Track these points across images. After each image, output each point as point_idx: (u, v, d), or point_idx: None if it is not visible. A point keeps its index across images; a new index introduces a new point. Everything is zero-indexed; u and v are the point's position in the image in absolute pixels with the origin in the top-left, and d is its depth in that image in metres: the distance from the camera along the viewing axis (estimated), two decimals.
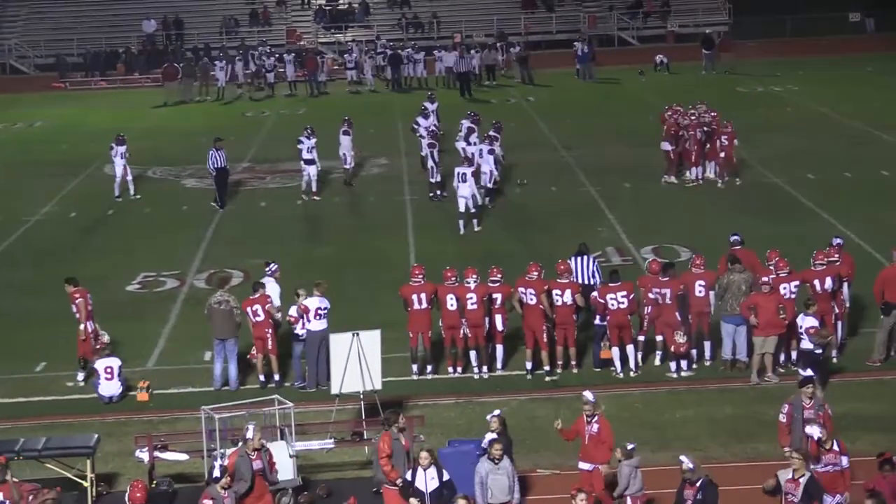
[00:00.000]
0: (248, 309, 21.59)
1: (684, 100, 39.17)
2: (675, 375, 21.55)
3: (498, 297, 21.62)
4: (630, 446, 16.07)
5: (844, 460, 15.52)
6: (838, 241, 22.85)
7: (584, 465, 16.75)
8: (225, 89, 57.34)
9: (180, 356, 23.60)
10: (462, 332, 21.72)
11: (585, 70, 58.35)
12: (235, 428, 17.38)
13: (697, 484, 15.01)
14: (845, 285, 22.15)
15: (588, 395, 16.82)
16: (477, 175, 32.23)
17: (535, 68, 58.13)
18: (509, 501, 15.93)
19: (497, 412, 17.03)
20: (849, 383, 21.14)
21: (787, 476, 14.96)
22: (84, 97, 59.80)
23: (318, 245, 31.42)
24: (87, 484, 17.44)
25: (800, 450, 15.44)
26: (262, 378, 21.90)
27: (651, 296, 21.54)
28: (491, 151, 33.15)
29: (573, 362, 21.89)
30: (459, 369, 22.05)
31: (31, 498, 15.61)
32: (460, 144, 34.50)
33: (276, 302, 22.13)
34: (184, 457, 17.93)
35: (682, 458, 15.28)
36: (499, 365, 22.09)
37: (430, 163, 34.53)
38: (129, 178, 36.30)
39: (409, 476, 15.80)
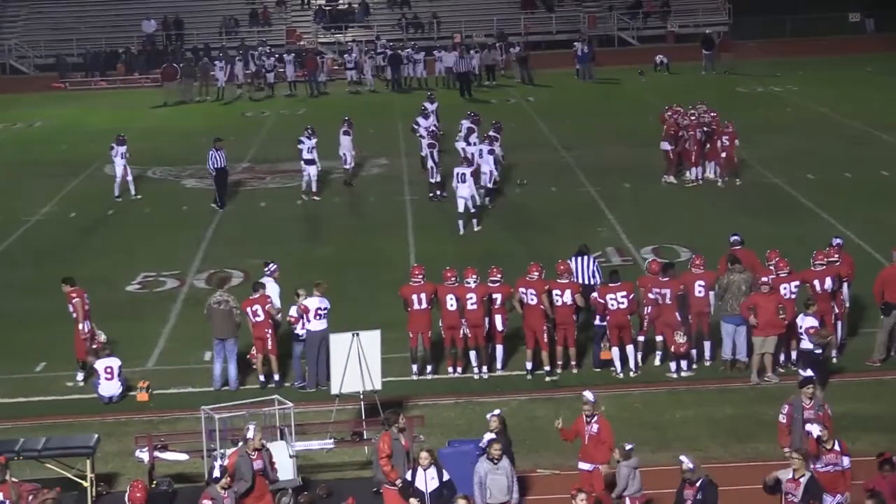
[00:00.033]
0: (248, 309, 21.59)
1: (684, 100, 39.21)
2: (675, 375, 21.56)
3: (498, 297, 21.62)
4: (628, 447, 16.07)
5: (846, 461, 15.50)
6: (838, 241, 22.85)
7: (583, 466, 16.75)
8: (225, 89, 57.34)
9: (180, 356, 23.61)
10: (462, 332, 21.72)
11: (585, 70, 58.35)
12: (235, 428, 17.39)
13: (697, 484, 15.01)
14: (845, 285, 22.15)
15: (588, 395, 16.82)
16: (477, 175, 32.25)
17: (535, 68, 58.13)
18: (508, 501, 15.93)
19: (497, 412, 17.03)
20: (849, 383, 21.14)
21: (787, 476, 14.96)
22: (84, 97, 59.80)
23: (318, 245, 31.42)
24: (86, 484, 17.44)
25: (800, 450, 15.45)
26: (262, 378, 21.90)
27: (651, 296, 21.55)
28: (491, 151, 33.16)
29: (573, 362, 21.89)
30: (459, 369, 22.05)
31: (30, 498, 15.60)
32: (460, 144, 34.51)
33: (277, 302, 22.13)
34: (184, 457, 17.94)
35: (682, 458, 15.28)
36: (499, 365, 22.09)
37: (429, 163, 34.54)
38: (130, 178, 36.31)
39: (409, 476, 15.81)
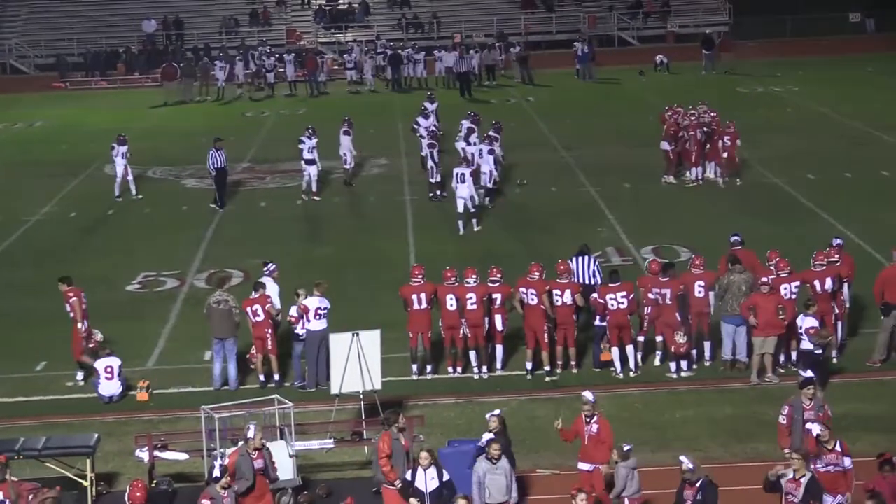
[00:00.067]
0: (248, 309, 21.59)
1: (684, 100, 39.20)
2: (674, 376, 21.55)
3: (498, 297, 21.62)
4: (626, 447, 16.04)
5: (847, 461, 15.48)
6: (838, 241, 22.85)
7: (583, 466, 16.74)
8: (225, 89, 57.35)
9: (180, 356, 23.61)
10: (462, 332, 21.72)
11: (585, 70, 58.35)
12: (235, 428, 17.39)
13: (697, 484, 15.00)
14: (845, 286, 22.15)
15: (587, 395, 16.81)
16: (477, 175, 32.26)
17: (535, 68, 58.13)
18: (507, 501, 15.93)
19: (496, 412, 17.02)
20: (849, 384, 21.13)
21: (788, 476, 14.96)
22: (84, 97, 59.79)
23: (318, 245, 31.42)
24: (86, 483, 17.44)
25: (800, 450, 15.45)
26: (261, 378, 21.90)
27: (651, 296, 21.54)
28: (491, 151, 33.16)
29: (573, 362, 21.89)
30: (459, 369, 22.05)
31: (31, 497, 15.59)
32: (460, 145, 34.51)
33: (276, 302, 22.13)
34: (184, 456, 17.94)
35: (682, 458, 15.27)
36: (498, 365, 22.08)
37: (429, 163, 34.53)
38: (130, 178, 36.31)
39: (408, 476, 15.80)
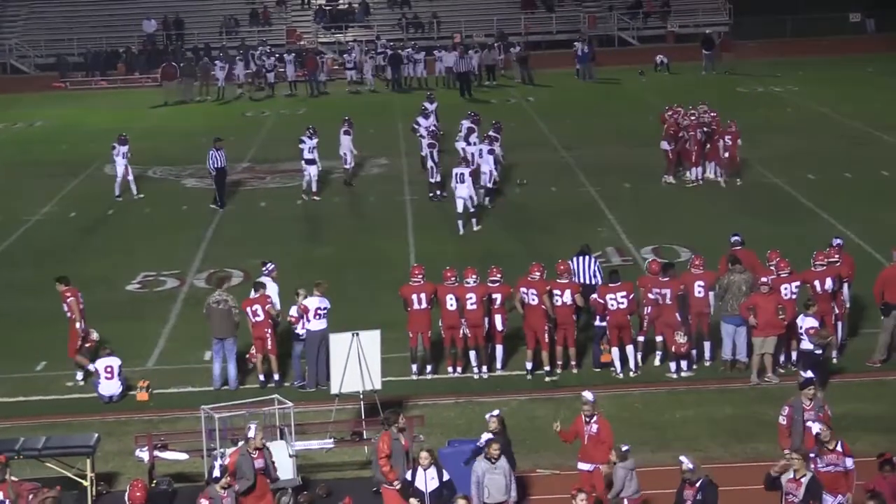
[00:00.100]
0: (248, 309, 21.58)
1: (684, 100, 39.20)
2: (674, 376, 21.55)
3: (497, 297, 21.62)
4: (624, 448, 16.03)
5: (849, 462, 15.47)
6: (838, 241, 22.84)
7: (583, 466, 16.73)
8: (225, 89, 57.35)
9: (180, 356, 23.61)
10: (462, 332, 21.72)
11: (585, 70, 58.34)
12: (235, 427, 17.39)
13: (697, 484, 15.00)
14: (845, 286, 22.14)
15: (587, 395, 16.81)
16: (476, 175, 32.26)
17: (535, 68, 58.12)
18: (506, 501, 15.93)
19: (496, 412, 17.02)
20: (849, 384, 21.13)
21: (788, 476, 14.96)
22: (84, 97, 59.79)
23: (318, 245, 31.42)
24: (86, 483, 17.45)
25: (800, 450, 15.44)
26: (261, 378, 21.90)
27: (651, 296, 21.54)
28: (491, 151, 33.15)
29: (573, 362, 21.88)
30: (459, 369, 22.05)
31: (30, 497, 15.59)
32: (460, 145, 34.50)
33: (276, 302, 22.12)
34: (184, 456, 17.94)
35: (682, 458, 15.27)
36: (498, 365, 22.08)
37: (429, 163, 34.53)
38: (131, 177, 36.31)
39: (409, 476, 15.80)
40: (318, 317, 21.35)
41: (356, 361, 18.80)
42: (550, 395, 21.04)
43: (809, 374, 17.89)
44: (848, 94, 50.75)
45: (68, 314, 22.36)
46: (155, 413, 21.02)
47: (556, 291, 21.41)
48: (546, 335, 21.49)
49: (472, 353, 21.87)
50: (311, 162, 35.23)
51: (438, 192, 34.17)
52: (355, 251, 30.24)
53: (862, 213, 31.12)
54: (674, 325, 21.47)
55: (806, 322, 20.33)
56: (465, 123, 36.12)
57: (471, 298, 21.46)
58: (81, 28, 68.87)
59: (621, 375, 21.64)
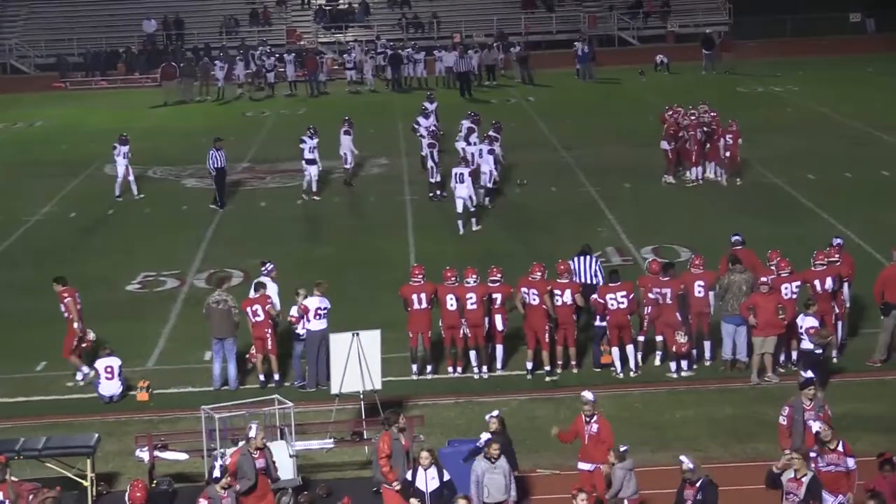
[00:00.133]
0: (248, 309, 21.58)
1: (684, 100, 39.19)
2: (675, 375, 21.55)
3: (498, 297, 21.62)
4: (623, 448, 16.03)
5: (851, 462, 15.46)
6: (838, 241, 22.85)
7: (583, 466, 16.73)
8: (225, 89, 57.35)
9: (180, 356, 23.61)
10: (462, 332, 21.72)
11: (585, 70, 58.35)
12: (235, 427, 17.40)
13: (697, 484, 15.00)
14: (845, 285, 22.15)
15: (587, 394, 16.81)
16: (476, 175, 32.26)
17: (535, 68, 58.13)
18: (506, 500, 15.93)
19: (496, 413, 17.02)
20: (849, 384, 21.13)
21: (789, 475, 14.96)
22: (84, 97, 59.79)
23: (318, 245, 31.42)
24: (87, 483, 17.45)
25: (800, 449, 15.44)
26: (261, 378, 21.90)
27: (651, 296, 21.54)
28: (491, 151, 33.15)
29: (573, 362, 21.88)
30: (459, 369, 22.04)
31: (31, 497, 15.60)
32: (460, 145, 34.49)
33: (276, 302, 22.12)
34: (184, 456, 17.94)
35: (682, 458, 15.27)
36: (498, 365, 22.08)
37: (429, 163, 34.54)
38: (131, 178, 36.31)
39: (409, 476, 15.80)
40: (318, 317, 21.35)
41: (356, 361, 18.80)
42: (551, 395, 21.04)
43: (810, 373, 17.88)
44: (848, 94, 50.75)
45: (66, 314, 22.35)
46: (155, 413, 21.02)
47: (557, 291, 21.42)
48: (547, 335, 21.49)
49: (473, 353, 21.87)
50: (311, 162, 35.23)
51: (438, 192, 34.17)
52: (355, 251, 30.24)
53: (862, 213, 31.13)
54: (674, 325, 21.47)
55: (806, 322, 20.33)
56: (465, 123, 36.12)
57: (471, 298, 21.46)
58: (81, 28, 68.88)
59: (621, 375, 21.65)
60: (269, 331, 21.64)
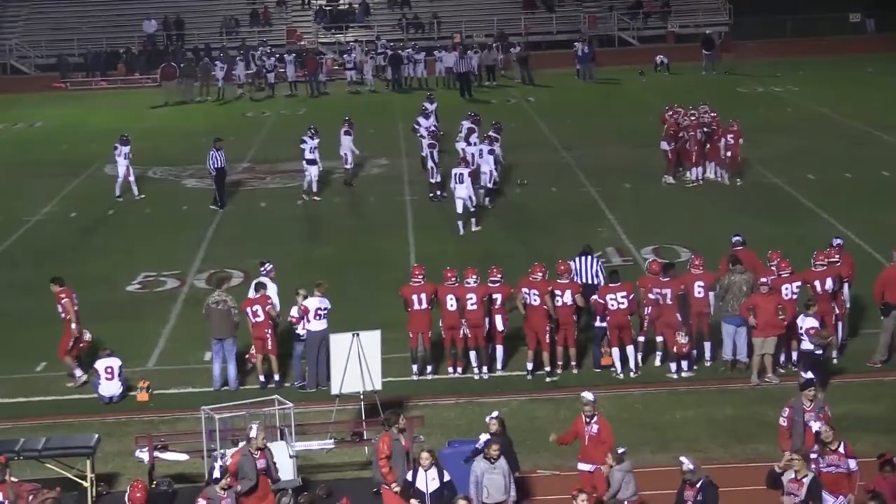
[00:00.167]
0: (248, 309, 21.58)
1: (685, 100, 39.18)
2: (675, 376, 21.55)
3: (498, 297, 21.62)
4: (621, 450, 16.01)
5: (852, 463, 15.44)
6: (838, 241, 22.84)
7: (584, 466, 16.71)
8: (225, 89, 57.36)
9: (180, 356, 23.60)
10: (462, 332, 21.71)
11: (585, 70, 58.34)
12: (235, 428, 17.40)
13: (698, 485, 15.00)
14: (846, 286, 22.14)
15: (587, 395, 16.80)
16: (476, 175, 32.25)
17: (535, 68, 58.12)
18: (505, 501, 15.93)
19: (496, 414, 17.02)
20: (849, 384, 21.13)
21: (789, 476, 14.96)
22: (85, 97, 59.79)
23: (318, 245, 31.42)
24: (87, 484, 17.44)
25: (800, 450, 15.43)
26: (262, 378, 21.90)
27: (651, 296, 21.53)
28: (491, 152, 33.16)
29: (573, 363, 21.88)
30: (459, 370, 22.04)
31: (30, 498, 15.59)
32: (460, 145, 34.50)
33: (276, 302, 22.11)
34: (184, 457, 17.93)
35: (683, 458, 15.28)
36: (499, 365, 22.08)
37: (430, 163, 34.54)
38: (132, 178, 36.32)
39: (409, 477, 15.80)
40: (318, 317, 21.34)
41: (356, 362, 18.80)
42: (551, 395, 21.04)
43: (810, 374, 17.87)
44: (848, 94, 50.75)
45: (63, 315, 22.34)
46: (155, 414, 21.02)
47: (558, 292, 21.41)
48: (547, 336, 21.49)
49: (473, 354, 21.87)
50: (312, 162, 35.23)
51: (438, 193, 34.17)
52: (355, 251, 30.24)
53: (862, 213, 31.12)
54: (674, 326, 21.47)
55: (806, 322, 20.33)
56: (466, 124, 36.12)
57: (471, 299, 21.46)
58: (82, 28, 68.86)
59: (622, 376, 21.64)
60: (269, 331, 21.64)
